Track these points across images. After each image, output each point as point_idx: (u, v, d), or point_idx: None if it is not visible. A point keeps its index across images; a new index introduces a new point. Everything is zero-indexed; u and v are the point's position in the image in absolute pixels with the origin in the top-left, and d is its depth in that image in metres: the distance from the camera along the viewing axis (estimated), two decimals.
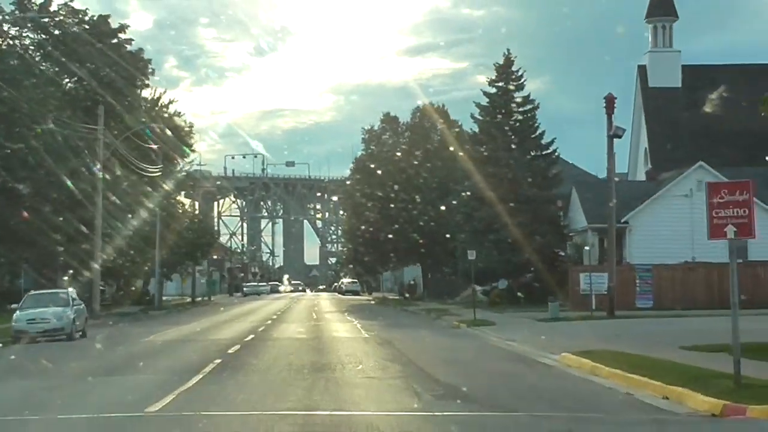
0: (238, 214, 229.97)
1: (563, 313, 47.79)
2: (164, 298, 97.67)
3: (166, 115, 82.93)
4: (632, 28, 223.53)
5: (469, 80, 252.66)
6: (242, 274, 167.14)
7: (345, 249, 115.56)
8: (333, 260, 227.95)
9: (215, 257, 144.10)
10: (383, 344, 32.78)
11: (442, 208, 76.75)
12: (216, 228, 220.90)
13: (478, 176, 63.78)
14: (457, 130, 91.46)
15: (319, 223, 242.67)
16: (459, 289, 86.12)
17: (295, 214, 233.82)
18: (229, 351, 29.72)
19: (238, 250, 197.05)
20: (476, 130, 65.18)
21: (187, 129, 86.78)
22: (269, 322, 49.71)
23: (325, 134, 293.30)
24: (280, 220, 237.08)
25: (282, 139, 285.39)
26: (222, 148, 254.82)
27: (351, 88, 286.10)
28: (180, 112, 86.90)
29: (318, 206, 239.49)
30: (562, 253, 63.75)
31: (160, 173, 72.17)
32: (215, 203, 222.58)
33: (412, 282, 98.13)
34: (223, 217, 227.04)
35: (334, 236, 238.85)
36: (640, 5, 77.64)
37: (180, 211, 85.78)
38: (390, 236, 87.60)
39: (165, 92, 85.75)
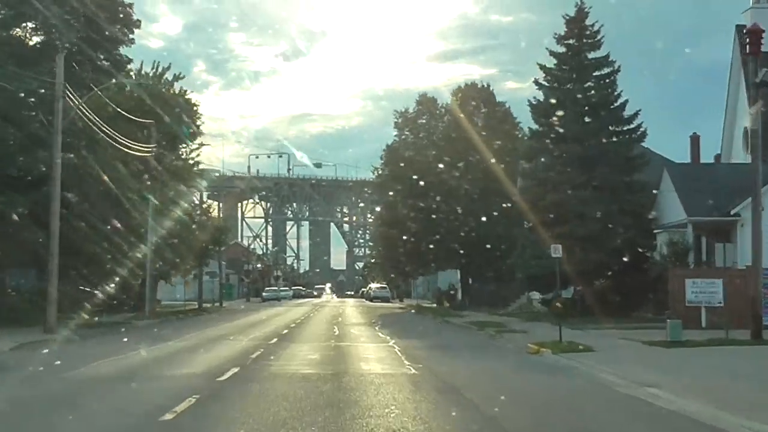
0: (263, 215, 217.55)
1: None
2: (168, 302, 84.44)
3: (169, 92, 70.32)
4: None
5: (498, 87, 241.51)
6: (265, 279, 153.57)
7: (374, 251, 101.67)
8: (360, 265, 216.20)
9: (236, 260, 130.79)
10: (446, 392, 18.93)
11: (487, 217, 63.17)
12: (239, 229, 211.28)
13: (543, 156, 50.07)
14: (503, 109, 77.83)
15: (346, 227, 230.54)
16: (506, 297, 72.25)
17: (322, 216, 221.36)
18: (176, 409, 15.93)
19: (260, 253, 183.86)
20: (540, 98, 50.90)
21: (193, 109, 73.62)
22: (275, 340, 35.94)
23: (354, 139, 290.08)
24: (306, 222, 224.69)
25: (310, 144, 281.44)
26: (250, 152, 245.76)
27: (379, 93, 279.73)
28: (186, 90, 74.02)
29: (345, 209, 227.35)
30: (648, 253, 49.65)
31: (151, 153, 58.80)
32: (239, 204, 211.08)
33: (453, 289, 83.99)
34: (246, 219, 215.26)
35: (361, 240, 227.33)
36: None
37: (185, 203, 72.19)
38: (427, 235, 73.96)
39: (169, 67, 72.71)
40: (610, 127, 49.61)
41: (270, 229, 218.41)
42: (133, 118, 56.90)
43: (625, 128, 49.77)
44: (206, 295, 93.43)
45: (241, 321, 55.97)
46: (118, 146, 50.07)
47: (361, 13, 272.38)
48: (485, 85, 79.51)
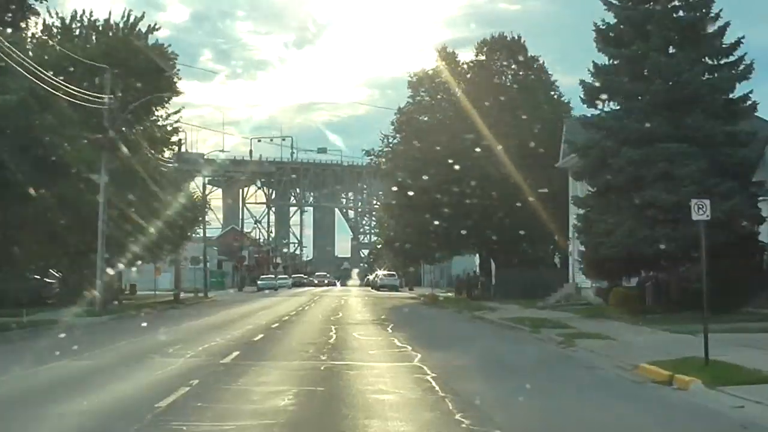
0: (265, 201, 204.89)
1: None
2: (148, 293, 71.55)
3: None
4: None
5: None
6: (263, 266, 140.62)
7: (382, 232, 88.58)
8: (365, 252, 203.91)
9: (231, 246, 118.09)
10: None
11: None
12: (240, 216, 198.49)
13: (615, 99, 37.06)
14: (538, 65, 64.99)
15: (351, 213, 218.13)
16: (542, 286, 59.16)
17: (326, 203, 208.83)
18: None
19: (261, 240, 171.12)
20: (611, 21, 37.42)
21: (169, 64, 60.91)
22: (234, 355, 22.82)
23: (360, 128, 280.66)
24: (310, 209, 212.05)
25: (316, 132, 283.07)
26: (256, 144, 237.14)
27: (386, 81, 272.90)
28: (164, 45, 61.63)
29: (351, 195, 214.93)
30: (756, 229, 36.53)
31: (107, 106, 46.12)
32: (240, 191, 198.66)
33: (476, 277, 70.44)
34: (248, 205, 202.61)
35: (366, 227, 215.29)
36: None
37: (155, 176, 59.47)
38: (451, 213, 60.98)
39: (143, 16, 60.29)
40: (704, 60, 36.45)
41: (272, 215, 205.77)
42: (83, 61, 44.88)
43: (723, 61, 36.61)
44: (192, 284, 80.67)
45: (213, 318, 43.02)
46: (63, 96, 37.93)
47: (367, 2, 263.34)
48: (515, 37, 66.37)
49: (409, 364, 20.81)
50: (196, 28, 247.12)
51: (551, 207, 59.58)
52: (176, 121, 65.52)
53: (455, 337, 30.14)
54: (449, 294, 79.30)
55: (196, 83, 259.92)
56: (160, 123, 63.82)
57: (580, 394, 16.43)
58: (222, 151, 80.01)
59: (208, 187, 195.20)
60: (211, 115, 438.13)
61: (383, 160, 67.88)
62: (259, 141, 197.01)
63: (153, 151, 60.15)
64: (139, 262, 60.45)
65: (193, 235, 68.34)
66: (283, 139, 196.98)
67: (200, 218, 65.60)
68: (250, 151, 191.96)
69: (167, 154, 66.18)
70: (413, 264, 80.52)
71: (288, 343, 26.82)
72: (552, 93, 65.55)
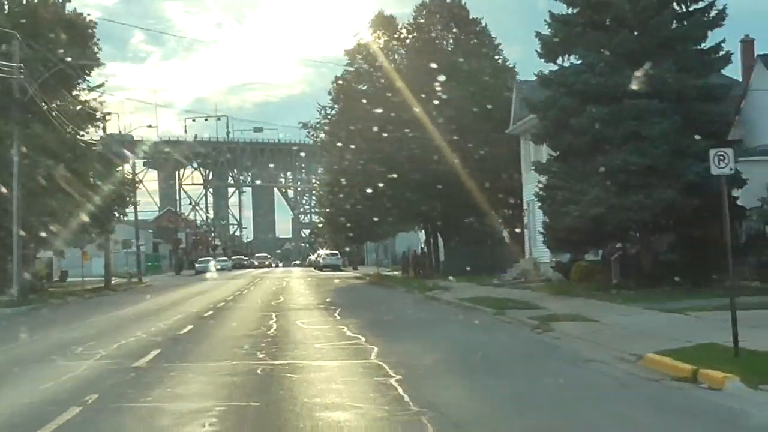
0: (202, 182, 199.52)
1: None
2: (79, 279, 66.87)
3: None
4: None
5: None
6: (201, 249, 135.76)
7: (322, 210, 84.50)
8: (306, 232, 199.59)
9: (167, 228, 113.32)
10: None
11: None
12: (178, 198, 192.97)
13: (576, 52, 33.36)
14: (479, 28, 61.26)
15: (290, 193, 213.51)
16: (494, 262, 55.72)
17: (264, 182, 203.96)
18: None
19: (199, 222, 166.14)
20: None
21: (88, 33, 56.38)
22: (151, 356, 18.70)
23: (297, 107, 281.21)
24: (249, 189, 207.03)
25: (252, 113, 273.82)
26: (191, 124, 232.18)
27: (321, 59, 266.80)
28: (83, 14, 57.12)
29: (289, 174, 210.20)
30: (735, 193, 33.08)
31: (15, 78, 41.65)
32: (176, 173, 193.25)
33: (425, 255, 66.27)
34: (185, 187, 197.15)
35: (307, 207, 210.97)
36: None
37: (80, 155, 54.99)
38: (387, 185, 57.18)
39: None
40: (672, 5, 32.79)
41: (210, 197, 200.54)
42: None
43: (693, 7, 33.00)
44: (128, 269, 76.24)
45: (142, 306, 38.81)
46: None
47: None
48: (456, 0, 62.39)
49: (365, 361, 16.93)
50: (126, 9, 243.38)
51: (501, 177, 56.04)
52: (100, 96, 61.15)
53: (413, 323, 26.27)
54: (395, 273, 75.53)
55: (129, 65, 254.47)
56: (83, 99, 59.37)
57: (600, 405, 12.61)
58: (150, 126, 75.05)
59: (143, 168, 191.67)
60: (146, 97, 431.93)
61: (321, 133, 63.77)
62: (194, 120, 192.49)
63: (74, 128, 55.65)
64: (65, 247, 55.87)
65: (124, 217, 63.66)
66: (218, 119, 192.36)
67: (129, 198, 60.91)
68: (185, 130, 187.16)
69: (94, 132, 61.73)
70: (356, 242, 76.54)
71: (220, 337, 22.78)
72: (496, 57, 61.81)
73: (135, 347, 20.42)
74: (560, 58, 33.60)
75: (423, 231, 71.52)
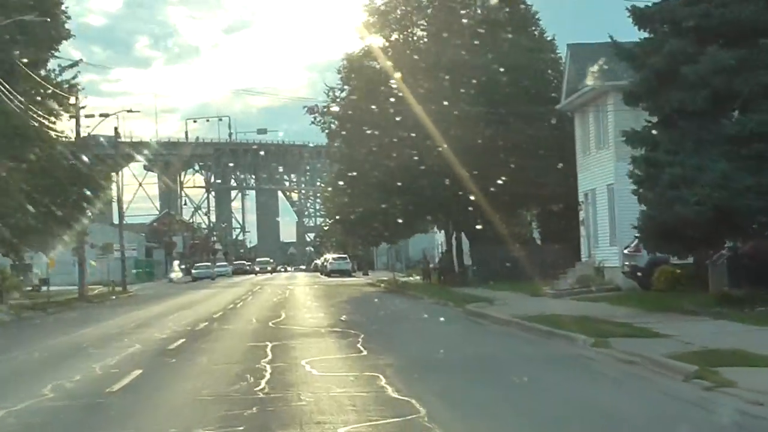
0: (204, 185, 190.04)
1: None
2: (59, 288, 57.35)
3: None
4: None
5: None
6: (201, 254, 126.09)
7: (330, 211, 74.81)
8: (312, 236, 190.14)
9: (163, 232, 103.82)
10: None
11: None
12: (180, 202, 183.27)
13: None
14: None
15: (294, 196, 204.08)
16: (538, 265, 45.97)
17: (268, 185, 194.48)
18: None
19: (198, 225, 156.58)
20: None
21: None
22: None
23: (300, 111, 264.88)
24: (253, 192, 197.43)
25: (256, 118, 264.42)
26: (196, 128, 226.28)
27: (325, 64, 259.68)
28: None
29: (294, 177, 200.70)
30: None
31: None
32: (177, 176, 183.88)
33: (451, 258, 55.68)
34: (186, 190, 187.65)
35: (312, 210, 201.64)
36: None
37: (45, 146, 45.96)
38: (406, 180, 47.87)
39: None
40: None
41: (212, 200, 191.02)
42: None
43: None
44: (112, 276, 66.86)
45: (101, 327, 29.19)
46: None
47: None
48: None
49: None
50: (130, 14, 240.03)
51: (545, 164, 46.72)
52: (74, 78, 51.77)
53: (482, 366, 16.59)
54: (411, 278, 66.01)
55: (132, 70, 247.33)
56: (54, 79, 50.28)
57: None
58: (131, 111, 65.79)
59: (143, 171, 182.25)
60: (148, 102, 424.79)
61: (330, 118, 54.29)
62: (195, 122, 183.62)
63: (41, 114, 46.46)
64: (23, 252, 46.59)
65: (93, 215, 54.11)
66: (220, 119, 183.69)
67: (102, 195, 51.24)
68: (186, 133, 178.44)
69: (68, 121, 52.44)
70: (370, 244, 66.30)
71: (170, 406, 13.15)
72: (533, 30, 52.26)
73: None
74: None
75: (442, 231, 61.90)
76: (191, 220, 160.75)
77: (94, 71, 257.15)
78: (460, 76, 47.57)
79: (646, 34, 24.42)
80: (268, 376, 15.11)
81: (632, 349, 17.19)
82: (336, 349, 19.53)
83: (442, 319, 28.75)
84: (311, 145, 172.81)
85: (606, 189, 35.85)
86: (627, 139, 24.77)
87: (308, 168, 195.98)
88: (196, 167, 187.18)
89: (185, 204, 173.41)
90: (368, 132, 50.23)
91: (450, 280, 51.52)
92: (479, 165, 46.73)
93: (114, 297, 54.87)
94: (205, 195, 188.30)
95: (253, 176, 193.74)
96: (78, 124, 51.62)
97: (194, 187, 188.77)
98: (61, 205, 46.15)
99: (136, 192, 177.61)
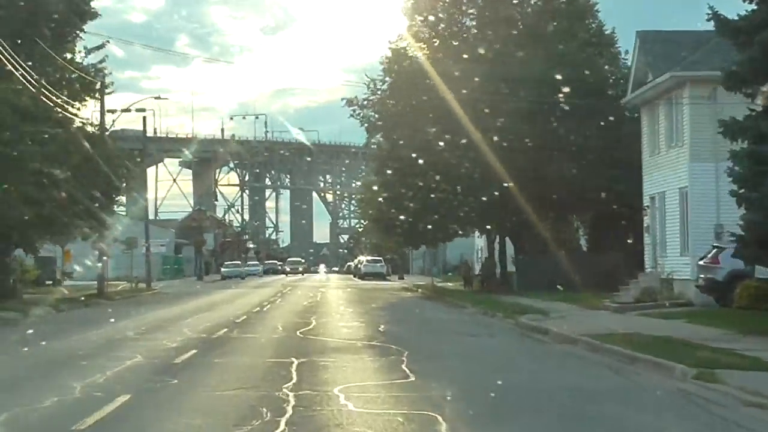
0: (238, 183, 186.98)
1: None
2: (84, 283, 54.21)
3: None
4: None
5: None
6: (233, 252, 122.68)
7: (365, 211, 71.08)
8: (345, 237, 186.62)
9: (192, 228, 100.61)
10: None
11: None
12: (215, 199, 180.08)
13: None
14: None
15: (329, 197, 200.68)
16: (591, 274, 42.12)
17: (303, 185, 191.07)
18: None
19: (234, 224, 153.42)
20: None
21: None
22: None
23: (337, 113, 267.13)
24: (287, 193, 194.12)
25: (294, 118, 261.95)
26: (232, 126, 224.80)
27: (363, 66, 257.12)
28: None
29: (329, 177, 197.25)
30: None
31: None
32: (213, 172, 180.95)
33: (494, 265, 51.58)
34: (221, 188, 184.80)
35: (346, 211, 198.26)
36: None
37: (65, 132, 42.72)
38: (453, 178, 44.24)
39: None
40: None
41: (246, 198, 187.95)
42: None
43: None
44: (137, 272, 63.68)
45: (122, 325, 25.76)
46: None
47: None
48: None
49: None
50: (171, 12, 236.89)
51: (602, 165, 42.95)
52: (100, 62, 48.57)
53: (572, 403, 12.81)
54: (449, 284, 62.25)
55: (173, 68, 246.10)
56: (80, 62, 47.36)
57: None
58: (158, 98, 61.94)
59: (177, 168, 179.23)
60: (188, 100, 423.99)
61: (370, 111, 50.54)
62: (231, 119, 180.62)
63: (63, 98, 43.31)
64: (38, 243, 43.28)
65: (118, 206, 50.83)
66: (257, 117, 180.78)
67: (125, 183, 47.69)
68: (222, 130, 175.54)
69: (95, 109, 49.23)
70: (409, 245, 61.78)
71: None
72: (591, 22, 48.31)
73: None
74: None
75: (483, 236, 58.05)
76: (224, 218, 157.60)
77: (134, 68, 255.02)
78: (510, 70, 43.74)
79: (752, 6, 20.45)
80: (290, 411, 11.43)
81: (752, 385, 13.43)
82: (376, 371, 15.84)
83: (494, 333, 24.99)
84: (349, 145, 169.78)
85: (678, 192, 31.88)
86: (725, 130, 20.80)
87: (344, 169, 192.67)
88: (231, 165, 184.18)
89: (216, 200, 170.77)
90: (410, 126, 46.56)
91: (493, 288, 47.68)
92: (527, 165, 43.05)
93: (135, 295, 51.39)
94: (239, 193, 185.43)
95: (288, 176, 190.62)
96: (103, 109, 48.10)
97: (228, 185, 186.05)
98: (79, 193, 42.83)
99: (170, 188, 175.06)
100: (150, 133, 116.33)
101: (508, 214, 48.43)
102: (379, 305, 38.45)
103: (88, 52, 47.55)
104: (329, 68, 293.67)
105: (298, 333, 23.26)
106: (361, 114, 51.27)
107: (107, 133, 50.31)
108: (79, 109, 47.14)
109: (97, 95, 48.67)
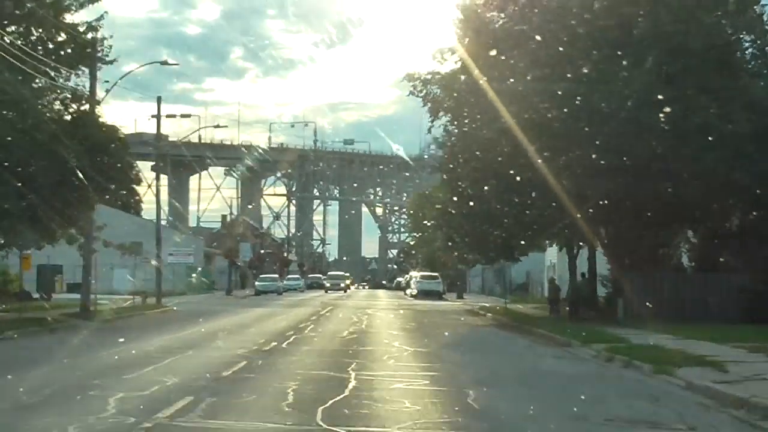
0: (285, 193, 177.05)
1: None
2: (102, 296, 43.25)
3: None
4: None
5: None
6: (273, 265, 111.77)
7: (416, 223, 59.31)
8: (395, 252, 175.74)
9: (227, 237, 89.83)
10: None
11: None
12: (260, 210, 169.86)
13: None
14: None
15: (379, 210, 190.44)
16: (722, 300, 30.29)
17: (351, 197, 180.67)
18: None
19: (279, 237, 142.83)
20: None
21: None
22: None
23: (389, 128, 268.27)
24: (335, 205, 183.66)
25: (344, 131, 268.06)
26: (285, 140, 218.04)
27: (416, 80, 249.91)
28: None
29: (379, 190, 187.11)
30: None
31: None
32: (260, 182, 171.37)
33: (588, 287, 39.05)
34: (266, 197, 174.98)
35: (396, 225, 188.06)
36: None
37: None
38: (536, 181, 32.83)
39: None
40: None
41: (293, 209, 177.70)
42: None
43: None
44: (171, 284, 53.10)
45: (52, 374, 14.34)
46: None
47: (398, 2, 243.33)
48: None
49: None
50: (226, 25, 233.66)
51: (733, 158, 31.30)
52: (97, 20, 38.08)
53: None
54: (519, 306, 50.77)
55: (226, 81, 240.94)
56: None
57: None
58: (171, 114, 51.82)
59: (221, 175, 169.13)
60: (241, 113, 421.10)
61: (434, 87, 39.09)
62: (278, 124, 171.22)
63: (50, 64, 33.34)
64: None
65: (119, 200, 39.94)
66: (306, 125, 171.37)
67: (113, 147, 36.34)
68: (269, 138, 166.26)
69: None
70: (489, 261, 49.71)
71: None
72: None
73: None
74: None
75: (564, 249, 46.36)
76: (266, 229, 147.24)
77: (188, 80, 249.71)
78: (614, 37, 32.58)
79: None
80: None
81: None
82: None
83: (684, 416, 13.29)
84: (396, 156, 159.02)
85: None
86: None
87: (394, 182, 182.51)
88: (278, 174, 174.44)
89: (253, 207, 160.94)
90: (483, 105, 35.11)
91: (587, 316, 36.14)
92: (633, 163, 31.79)
93: (134, 314, 40.32)
94: (286, 203, 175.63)
95: (337, 187, 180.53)
96: (94, 79, 37.27)
97: (274, 195, 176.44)
98: (58, 183, 32.19)
99: (213, 196, 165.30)
100: (195, 139, 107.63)
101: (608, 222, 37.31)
102: (448, 341, 27.05)
103: (89, 27, 37.47)
104: (382, 83, 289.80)
105: (318, 415, 11.82)
106: (423, 91, 39.78)
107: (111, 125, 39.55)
108: (67, 78, 37.09)
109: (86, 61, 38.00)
